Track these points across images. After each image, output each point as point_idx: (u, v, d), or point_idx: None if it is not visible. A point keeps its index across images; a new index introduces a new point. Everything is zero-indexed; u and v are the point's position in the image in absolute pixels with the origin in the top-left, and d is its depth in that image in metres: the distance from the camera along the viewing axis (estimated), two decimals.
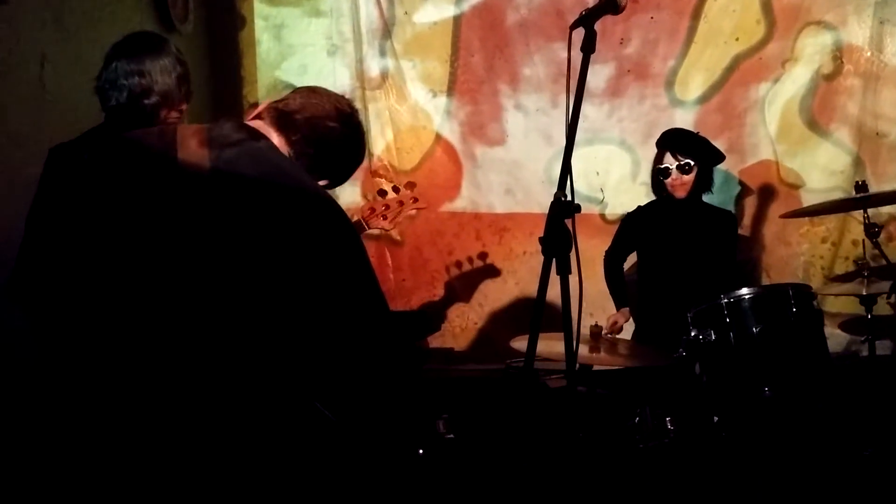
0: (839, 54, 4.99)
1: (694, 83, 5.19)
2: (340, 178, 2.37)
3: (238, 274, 1.99)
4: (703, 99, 5.18)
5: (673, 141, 4.37)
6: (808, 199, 4.95)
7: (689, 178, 4.28)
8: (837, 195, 4.82)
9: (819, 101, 5.04)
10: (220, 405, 1.97)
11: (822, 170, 5.06)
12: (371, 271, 2.18)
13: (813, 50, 5.02)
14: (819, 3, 5.00)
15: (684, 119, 5.15)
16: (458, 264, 5.40)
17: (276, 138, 2.20)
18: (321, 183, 2.27)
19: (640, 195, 4.69)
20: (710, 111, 5.16)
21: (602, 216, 5.30)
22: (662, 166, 4.33)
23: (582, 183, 5.21)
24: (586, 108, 4.96)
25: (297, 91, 2.32)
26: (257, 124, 2.23)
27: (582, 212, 2.27)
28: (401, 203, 3.73)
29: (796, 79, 5.06)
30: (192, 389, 1.96)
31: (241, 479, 1.98)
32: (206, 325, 1.97)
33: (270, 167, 2.09)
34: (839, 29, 4.98)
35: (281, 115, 2.23)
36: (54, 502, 2.03)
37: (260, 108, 2.31)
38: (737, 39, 5.09)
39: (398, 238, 5.44)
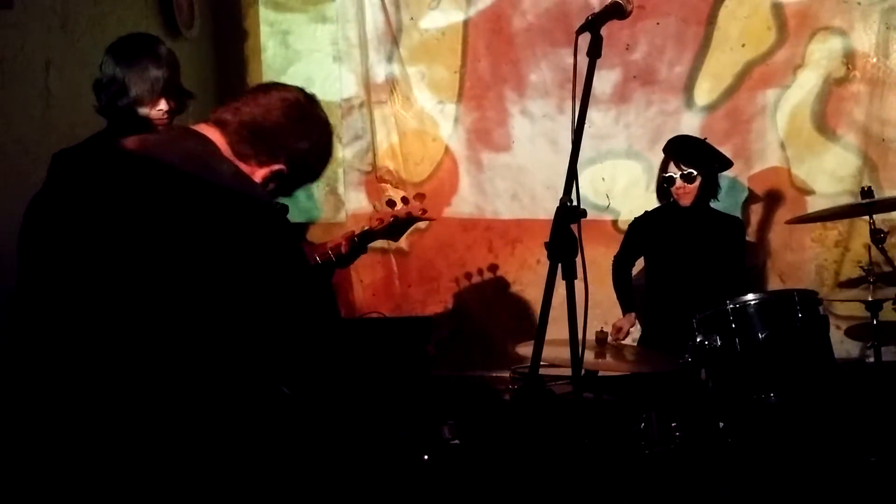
0: (845, 60, 4.98)
1: (704, 89, 5.17)
2: (297, 163, 2.35)
3: (174, 275, 2.02)
4: (714, 105, 5.16)
5: (677, 149, 4.36)
6: (818, 204, 4.92)
7: (693, 186, 4.28)
8: (846, 200, 4.80)
9: (828, 106, 5.03)
10: (176, 403, 2.00)
11: (831, 175, 5.05)
12: (301, 272, 2.21)
13: (822, 55, 5.01)
14: (826, 9, 4.98)
15: (694, 125, 5.14)
16: (468, 276, 5.40)
17: (216, 135, 2.25)
18: (276, 167, 2.28)
19: (652, 202, 4.67)
20: (720, 117, 5.15)
21: (613, 223, 5.28)
22: (667, 175, 4.33)
23: (591, 190, 5.22)
24: (593, 114, 4.98)
25: (249, 89, 2.39)
26: (201, 127, 2.28)
27: (593, 219, 2.26)
28: (409, 214, 3.71)
29: (806, 84, 5.05)
30: (132, 378, 2.00)
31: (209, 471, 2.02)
32: (155, 324, 2.01)
33: (196, 166, 2.13)
34: (846, 35, 4.97)
35: (220, 112, 2.29)
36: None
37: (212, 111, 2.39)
38: (742, 45, 5.08)
39: (405, 249, 5.44)
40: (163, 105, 3.02)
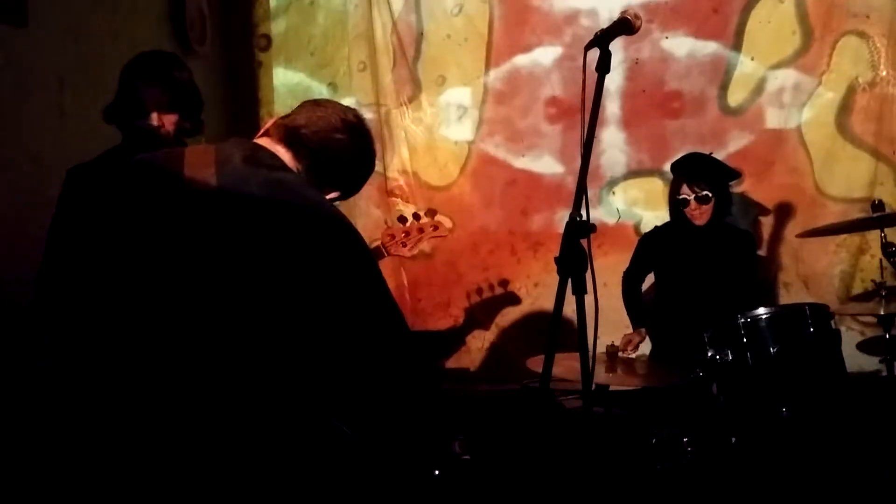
0: (866, 67, 4.98)
1: (730, 97, 5.18)
2: (352, 189, 2.41)
3: (247, 292, 2.01)
4: (737, 112, 5.17)
5: (689, 170, 4.33)
6: (839, 212, 4.92)
7: (708, 207, 4.24)
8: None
9: (852, 114, 5.02)
10: (233, 420, 1.98)
11: (855, 183, 5.03)
12: (385, 290, 2.20)
13: (847, 62, 5.00)
14: (847, 15, 4.97)
15: (714, 134, 5.16)
16: (479, 290, 5.40)
17: (284, 154, 2.23)
18: (333, 195, 2.32)
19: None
20: (744, 126, 5.15)
21: (636, 230, 5.27)
22: (680, 197, 4.29)
23: (621, 202, 5.27)
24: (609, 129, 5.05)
25: (303, 105, 2.35)
26: (265, 141, 2.26)
27: (616, 225, 2.28)
28: (421, 230, 3.71)
29: (831, 92, 5.04)
30: (205, 403, 1.97)
31: (256, 492, 1.99)
32: (218, 341, 1.99)
33: (276, 184, 2.12)
34: (866, 42, 4.97)
35: (288, 131, 2.25)
36: None
37: (267, 124, 2.33)
38: (752, 59, 5.08)
39: (416, 262, 5.43)
40: (154, 119, 3.04)
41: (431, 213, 3.76)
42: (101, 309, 2.05)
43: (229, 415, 1.97)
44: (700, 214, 4.26)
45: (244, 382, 1.98)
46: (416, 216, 3.71)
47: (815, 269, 5.09)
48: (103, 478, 1.98)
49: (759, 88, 5.12)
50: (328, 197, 2.30)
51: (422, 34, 5.44)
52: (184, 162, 2.13)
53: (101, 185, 2.24)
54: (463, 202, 5.45)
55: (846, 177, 5.05)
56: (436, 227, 3.71)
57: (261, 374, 1.99)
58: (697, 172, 4.30)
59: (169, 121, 3.07)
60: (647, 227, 5.10)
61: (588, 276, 2.22)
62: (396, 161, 5.48)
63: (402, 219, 3.71)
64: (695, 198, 4.24)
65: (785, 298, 5.08)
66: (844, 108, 5.04)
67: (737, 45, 5.12)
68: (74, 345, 2.08)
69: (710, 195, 4.23)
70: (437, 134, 5.48)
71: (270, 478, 2.00)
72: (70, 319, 2.12)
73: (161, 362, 1.98)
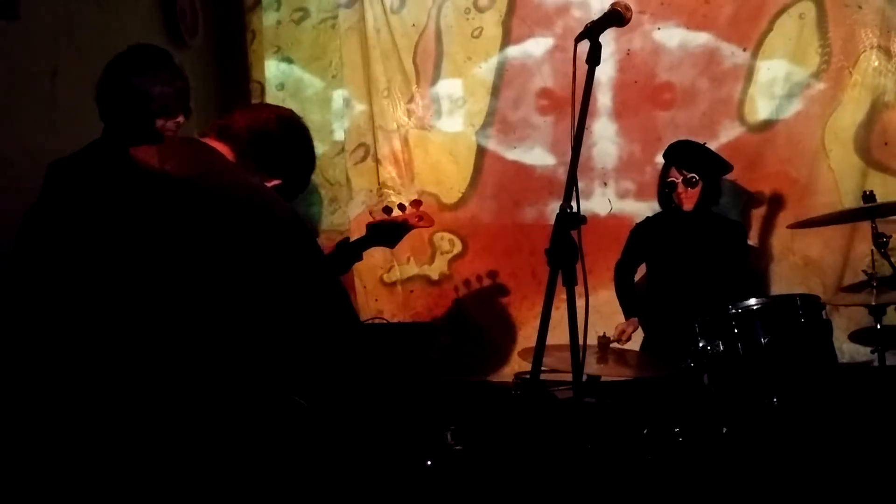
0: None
1: (722, 88, 5.17)
2: (293, 176, 2.52)
3: (198, 278, 2.09)
4: (728, 103, 5.15)
5: (678, 155, 4.38)
6: (833, 203, 4.87)
7: (695, 191, 4.29)
8: None
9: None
10: (191, 402, 2.04)
11: (847, 175, 4.96)
12: (325, 272, 2.30)
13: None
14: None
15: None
16: (468, 282, 5.41)
17: (223, 149, 2.36)
18: (273, 182, 2.43)
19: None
20: (735, 116, 5.13)
21: None
22: (668, 180, 4.35)
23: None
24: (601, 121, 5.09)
25: (236, 108, 2.53)
26: (207, 140, 2.40)
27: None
28: (406, 221, 3.70)
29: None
30: (167, 385, 2.04)
31: (219, 473, 2.04)
32: (172, 327, 2.06)
33: (221, 176, 2.24)
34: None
35: (222, 128, 2.41)
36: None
37: (206, 128, 2.47)
38: (744, 49, 5.08)
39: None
40: (180, 118, 3.02)
41: (417, 203, 3.74)
42: (58, 293, 2.12)
43: (186, 394, 2.04)
44: (687, 198, 4.30)
45: (199, 364, 2.06)
46: (401, 207, 3.70)
47: (806, 260, 5.09)
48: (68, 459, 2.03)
49: (750, 79, 5.11)
50: (269, 184, 2.42)
51: (413, 26, 5.44)
52: (136, 159, 2.23)
53: (80, 179, 2.31)
54: (454, 194, 5.45)
55: (838, 168, 5.05)
56: (420, 218, 3.70)
57: (213, 355, 2.07)
58: (687, 156, 4.36)
59: (175, 123, 3.04)
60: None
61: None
62: (388, 153, 5.48)
63: (388, 209, 3.70)
64: (682, 180, 4.29)
65: (776, 289, 5.10)
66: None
67: (728, 36, 5.12)
68: (31, 334, 2.14)
69: (698, 178, 4.27)
70: (428, 126, 5.47)
71: (226, 456, 2.05)
72: (35, 308, 2.17)
73: (118, 346, 2.05)
